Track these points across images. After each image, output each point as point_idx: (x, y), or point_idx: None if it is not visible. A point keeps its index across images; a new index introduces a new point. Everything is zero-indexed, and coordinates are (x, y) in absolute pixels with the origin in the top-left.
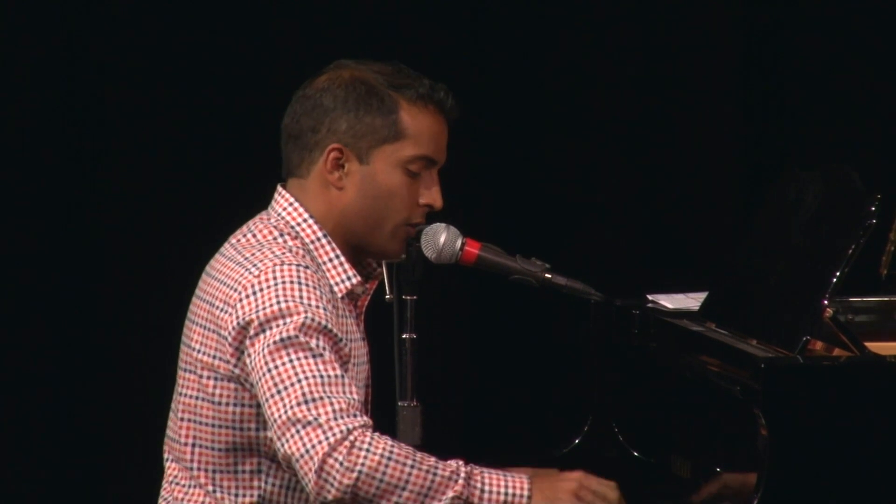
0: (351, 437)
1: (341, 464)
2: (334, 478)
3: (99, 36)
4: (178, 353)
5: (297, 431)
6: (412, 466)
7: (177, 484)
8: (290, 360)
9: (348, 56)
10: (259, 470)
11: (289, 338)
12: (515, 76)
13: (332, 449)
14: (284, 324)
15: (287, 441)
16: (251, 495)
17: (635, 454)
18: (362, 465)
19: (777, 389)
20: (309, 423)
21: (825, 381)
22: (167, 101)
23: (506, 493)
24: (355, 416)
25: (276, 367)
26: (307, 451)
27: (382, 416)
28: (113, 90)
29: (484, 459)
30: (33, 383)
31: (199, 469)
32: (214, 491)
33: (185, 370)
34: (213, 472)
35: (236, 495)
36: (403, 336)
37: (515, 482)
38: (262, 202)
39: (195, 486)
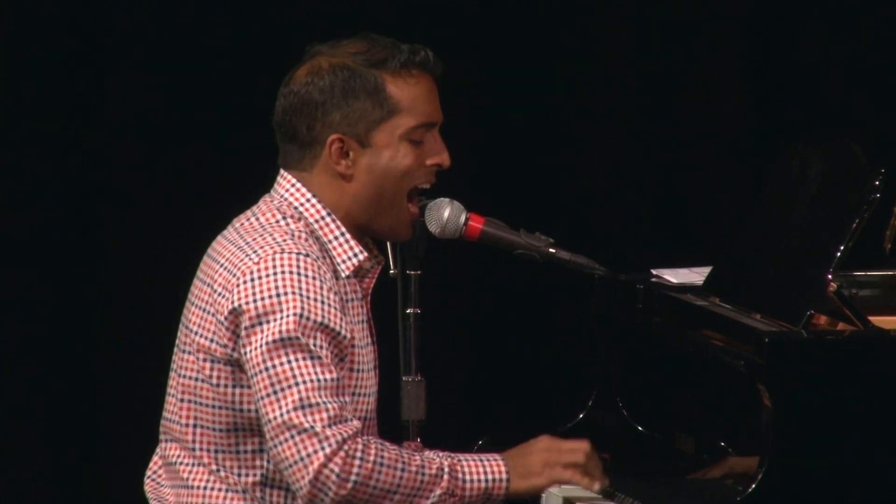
0: (346, 448)
1: (337, 475)
2: (329, 488)
3: (98, 26)
4: (176, 335)
5: (292, 437)
6: (402, 470)
7: (181, 464)
8: (288, 361)
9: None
10: (261, 449)
11: (288, 337)
12: (522, 53)
13: (328, 460)
14: (282, 318)
15: (280, 445)
16: (254, 474)
17: (639, 429)
18: (357, 474)
19: (781, 364)
20: (305, 430)
21: (829, 355)
22: (164, 88)
23: (486, 480)
24: (347, 421)
25: (274, 367)
26: (301, 460)
27: (387, 391)
28: (111, 79)
29: (487, 435)
30: (31, 369)
31: (201, 449)
32: (219, 470)
33: (185, 351)
34: (216, 452)
35: (239, 475)
36: (407, 311)
37: (493, 466)
38: (263, 187)
39: (199, 465)
